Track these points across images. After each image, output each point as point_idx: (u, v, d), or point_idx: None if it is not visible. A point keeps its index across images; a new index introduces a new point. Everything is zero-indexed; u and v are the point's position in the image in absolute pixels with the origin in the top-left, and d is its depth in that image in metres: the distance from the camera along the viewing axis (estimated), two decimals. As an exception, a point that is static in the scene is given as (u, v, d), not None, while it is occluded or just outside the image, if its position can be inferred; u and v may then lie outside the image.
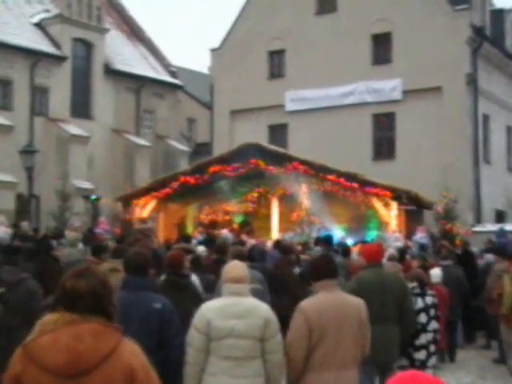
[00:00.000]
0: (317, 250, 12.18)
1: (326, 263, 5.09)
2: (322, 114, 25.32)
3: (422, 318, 7.73)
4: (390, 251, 12.38)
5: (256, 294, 6.56)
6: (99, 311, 2.69)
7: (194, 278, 7.82)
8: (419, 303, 7.81)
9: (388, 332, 6.20)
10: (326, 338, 4.78)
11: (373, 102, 24.52)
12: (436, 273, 9.89)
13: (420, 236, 16.02)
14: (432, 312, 7.91)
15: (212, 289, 7.78)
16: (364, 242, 12.00)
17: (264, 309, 4.88)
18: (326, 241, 12.05)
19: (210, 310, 4.72)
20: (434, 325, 7.86)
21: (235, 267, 4.94)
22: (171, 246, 10.78)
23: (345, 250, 11.43)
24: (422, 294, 7.95)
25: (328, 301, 4.90)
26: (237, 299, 4.76)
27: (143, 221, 13.59)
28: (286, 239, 14.81)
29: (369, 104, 24.61)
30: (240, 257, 7.48)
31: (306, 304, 4.92)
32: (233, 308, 4.70)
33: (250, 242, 13.96)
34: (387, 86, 24.24)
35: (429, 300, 7.95)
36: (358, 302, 5.06)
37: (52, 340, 2.57)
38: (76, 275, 2.75)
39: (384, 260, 7.95)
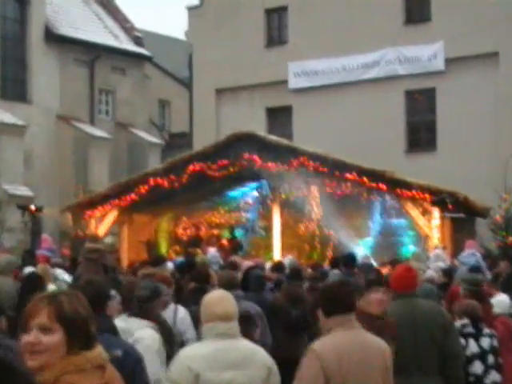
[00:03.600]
0: (334, 273, 12.18)
1: (343, 292, 5.08)
2: (337, 93, 25.33)
3: (477, 367, 7.60)
4: (430, 273, 12.38)
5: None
6: None
7: (182, 311, 7.89)
8: (472, 347, 7.68)
9: (426, 386, 6.16)
10: (347, 393, 4.80)
11: (406, 75, 24.54)
12: (502, 301, 9.76)
13: (468, 253, 16.00)
14: (491, 359, 7.78)
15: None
16: (395, 263, 11.96)
17: (264, 354, 4.90)
18: (346, 261, 12.04)
19: (195, 358, 4.68)
20: (494, 376, 7.72)
21: (222, 300, 4.92)
22: (137, 270, 10.72)
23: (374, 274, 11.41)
24: (477, 335, 7.81)
25: (348, 342, 4.88)
26: (229, 343, 4.74)
27: (93, 238, 13.51)
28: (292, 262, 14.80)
29: (400, 77, 24.63)
30: (230, 285, 7.48)
31: (320, 346, 4.88)
32: (227, 355, 4.68)
33: (245, 264, 13.98)
34: (425, 53, 24.27)
35: (485, 342, 7.79)
36: (381, 344, 5.07)
37: None
38: None
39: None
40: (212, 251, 18.62)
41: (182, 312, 7.95)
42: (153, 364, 5.45)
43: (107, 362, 3.07)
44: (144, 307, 5.98)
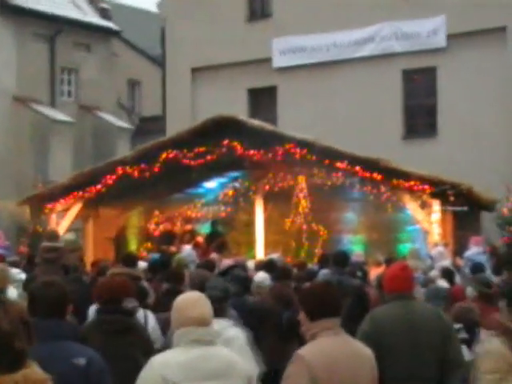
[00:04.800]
0: (324, 273, 12.21)
1: (330, 294, 5.14)
2: (326, 72, 25.32)
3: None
4: (434, 273, 12.43)
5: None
6: None
7: (152, 319, 8.01)
8: (465, 355, 7.75)
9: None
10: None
11: (403, 53, 24.56)
12: None
13: (474, 251, 16.07)
14: None
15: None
16: (390, 262, 12.00)
17: (242, 363, 4.96)
18: (338, 260, 12.05)
19: (169, 367, 4.69)
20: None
21: (198, 302, 4.94)
22: (105, 270, 10.74)
23: (362, 274, 11.46)
24: (471, 341, 7.85)
25: (337, 349, 4.95)
26: (206, 350, 4.76)
27: (51, 236, 13.45)
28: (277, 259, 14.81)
29: (397, 55, 24.65)
30: (203, 286, 7.49)
31: (309, 353, 4.94)
32: (205, 364, 4.71)
33: (225, 262, 14.01)
34: (425, 28, 24.28)
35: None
36: (369, 352, 5.16)
37: None
38: None
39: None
40: (187, 249, 18.62)
41: (153, 320, 7.96)
42: (250, 363, 5.86)
43: None
44: (216, 307, 6.19)
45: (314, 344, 5.02)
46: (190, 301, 4.96)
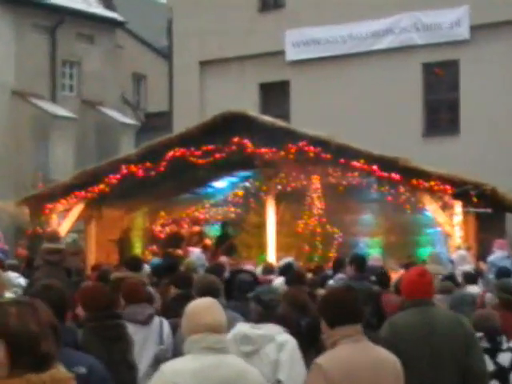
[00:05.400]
0: (339, 278, 12.19)
1: (350, 299, 5.16)
2: (342, 66, 25.30)
3: None
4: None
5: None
6: None
7: (167, 326, 8.04)
8: (487, 365, 7.72)
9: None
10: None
11: (424, 45, 24.52)
12: None
13: (498, 255, 16.00)
14: None
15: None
16: (409, 266, 11.96)
17: (257, 373, 4.98)
18: (355, 264, 12.05)
19: (181, 375, 4.70)
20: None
21: (211, 309, 4.97)
22: (107, 274, 10.74)
23: (381, 279, 11.43)
24: (493, 350, 7.83)
25: (357, 357, 4.97)
26: (219, 358, 4.79)
27: (53, 237, 13.46)
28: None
29: (418, 48, 24.61)
30: (208, 291, 7.49)
31: (327, 361, 4.97)
32: (217, 372, 4.73)
33: (247, 267, 14.09)
34: (446, 19, 24.25)
35: (505, 359, 7.82)
36: (394, 360, 5.17)
37: None
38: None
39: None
40: (196, 252, 18.62)
41: (167, 327, 7.99)
42: (301, 367, 6.29)
43: None
44: (269, 312, 6.69)
45: (332, 352, 5.07)
46: (203, 307, 5.00)
